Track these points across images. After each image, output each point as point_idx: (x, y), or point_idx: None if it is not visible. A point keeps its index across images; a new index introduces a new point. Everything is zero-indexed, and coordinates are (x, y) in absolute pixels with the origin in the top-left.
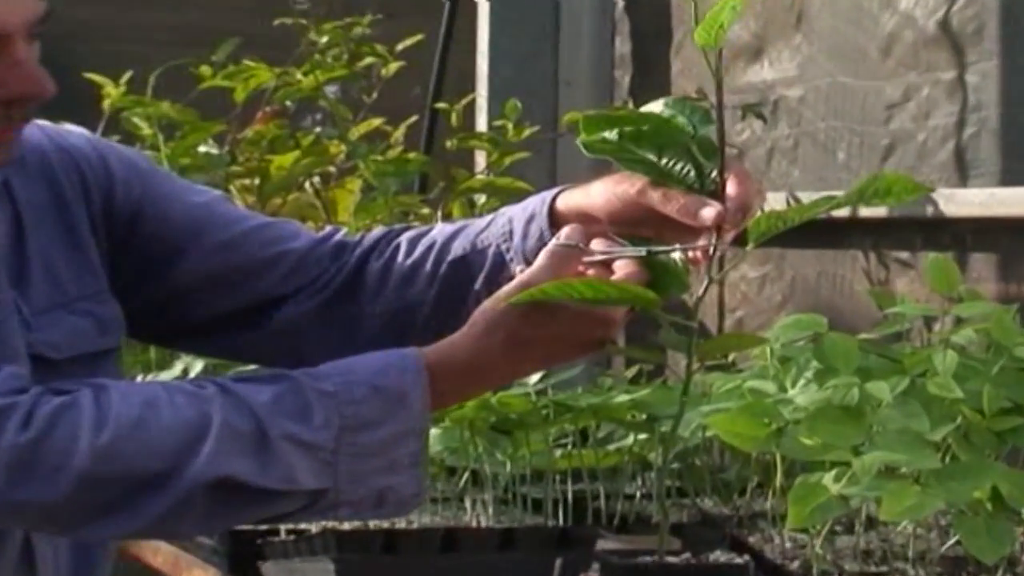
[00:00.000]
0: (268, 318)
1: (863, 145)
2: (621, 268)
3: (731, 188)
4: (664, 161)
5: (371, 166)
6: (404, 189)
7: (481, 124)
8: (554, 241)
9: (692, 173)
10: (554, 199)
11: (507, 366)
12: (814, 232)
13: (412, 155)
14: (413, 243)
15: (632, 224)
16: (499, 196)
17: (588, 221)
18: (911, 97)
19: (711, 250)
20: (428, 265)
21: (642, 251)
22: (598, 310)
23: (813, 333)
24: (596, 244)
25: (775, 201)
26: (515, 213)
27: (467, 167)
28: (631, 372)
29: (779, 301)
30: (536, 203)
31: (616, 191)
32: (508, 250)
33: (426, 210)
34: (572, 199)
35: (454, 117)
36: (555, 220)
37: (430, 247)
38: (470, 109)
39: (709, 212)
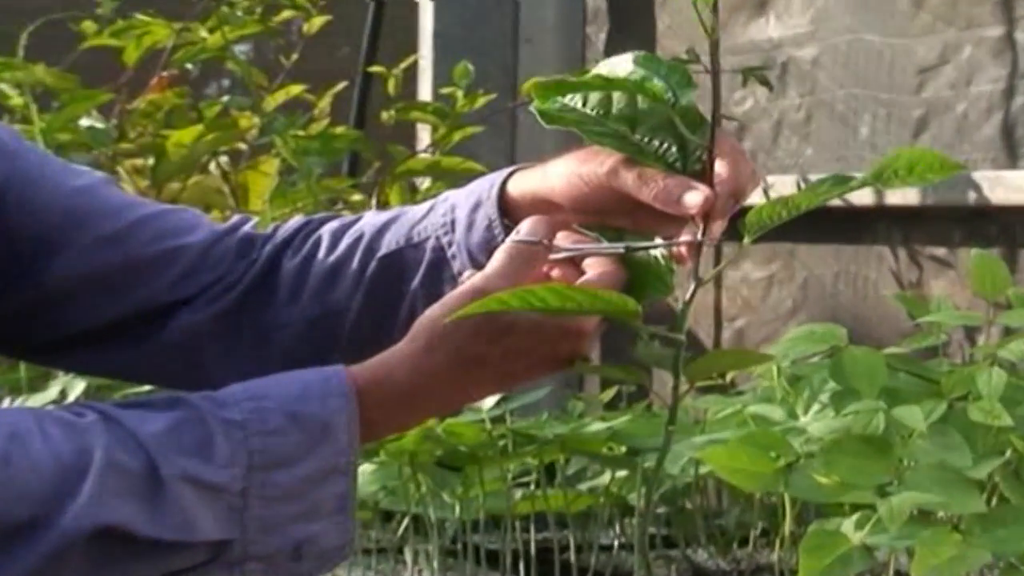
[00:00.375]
0: (161, 328)
1: (890, 118)
2: (593, 267)
3: (721, 168)
4: (638, 136)
5: (290, 143)
6: (330, 171)
7: (424, 92)
8: (513, 237)
9: (673, 149)
10: (504, 182)
11: (454, 389)
12: (831, 223)
13: (340, 129)
14: (337, 236)
15: (601, 212)
16: (446, 179)
17: (547, 209)
18: (949, 59)
19: (697, 244)
20: (354, 263)
21: (620, 247)
22: (565, 320)
23: (830, 347)
24: (561, 239)
25: (783, 186)
26: (458, 200)
27: (407, 144)
28: (608, 395)
29: (788, 308)
30: (483, 187)
31: (581, 172)
32: (450, 244)
33: (357, 196)
34: (527, 182)
35: (391, 83)
36: (506, 208)
37: (356, 241)
38: (411, 73)
39: (695, 197)
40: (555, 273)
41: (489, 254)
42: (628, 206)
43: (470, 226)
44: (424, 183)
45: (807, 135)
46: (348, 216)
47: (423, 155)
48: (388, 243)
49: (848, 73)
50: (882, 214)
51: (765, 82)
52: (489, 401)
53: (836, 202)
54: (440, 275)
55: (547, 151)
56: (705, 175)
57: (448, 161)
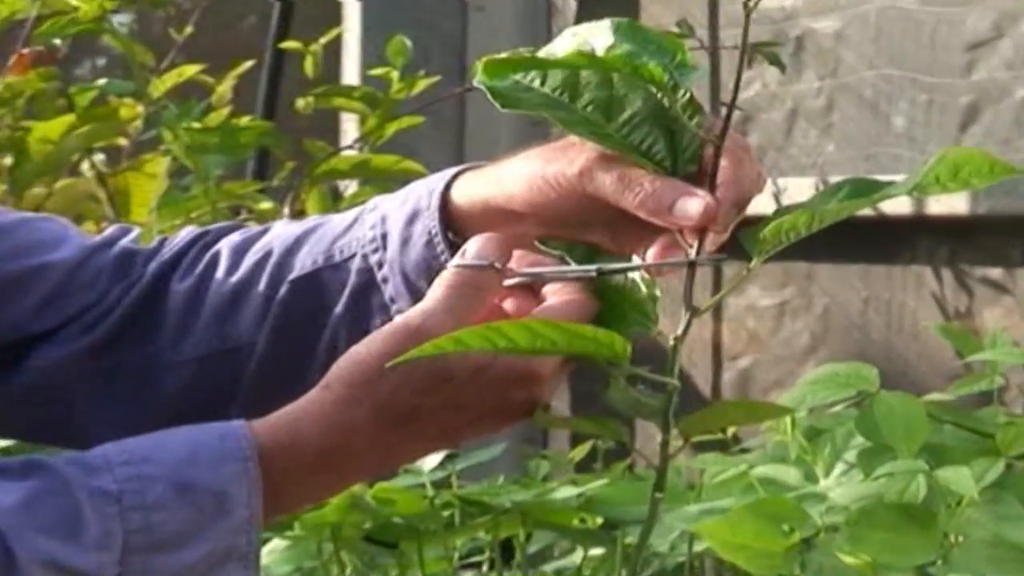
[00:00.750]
0: (16, 368)
1: (932, 105)
2: (556, 294)
3: (722, 170)
4: (617, 127)
5: (183, 137)
6: (233, 173)
7: (350, 74)
8: (457, 260)
9: (661, 145)
10: (448, 186)
11: (382, 449)
12: (857, 238)
13: (245, 121)
14: (239, 253)
15: (571, 224)
16: (378, 184)
17: (502, 220)
18: (1004, 32)
19: (690, 264)
20: (260, 286)
21: (591, 269)
22: (517, 362)
23: (857, 392)
24: (517, 259)
25: (799, 191)
26: (390, 208)
27: (329, 139)
28: (579, 453)
29: (805, 343)
30: (421, 193)
31: (546, 173)
32: (380, 264)
33: (266, 204)
34: (477, 187)
35: (309, 62)
36: (451, 218)
37: (264, 259)
38: (334, 50)
39: (692, 206)
40: (508, 305)
41: (429, 277)
42: (605, 216)
43: (405, 242)
44: (349, 188)
45: (828, 127)
46: (254, 228)
47: (348, 152)
48: (303, 262)
49: (879, 50)
50: (922, 226)
51: (776, 61)
52: (431, 461)
53: (864, 211)
54: (368, 303)
55: (502, 147)
56: (701, 177)
57: (380, 160)
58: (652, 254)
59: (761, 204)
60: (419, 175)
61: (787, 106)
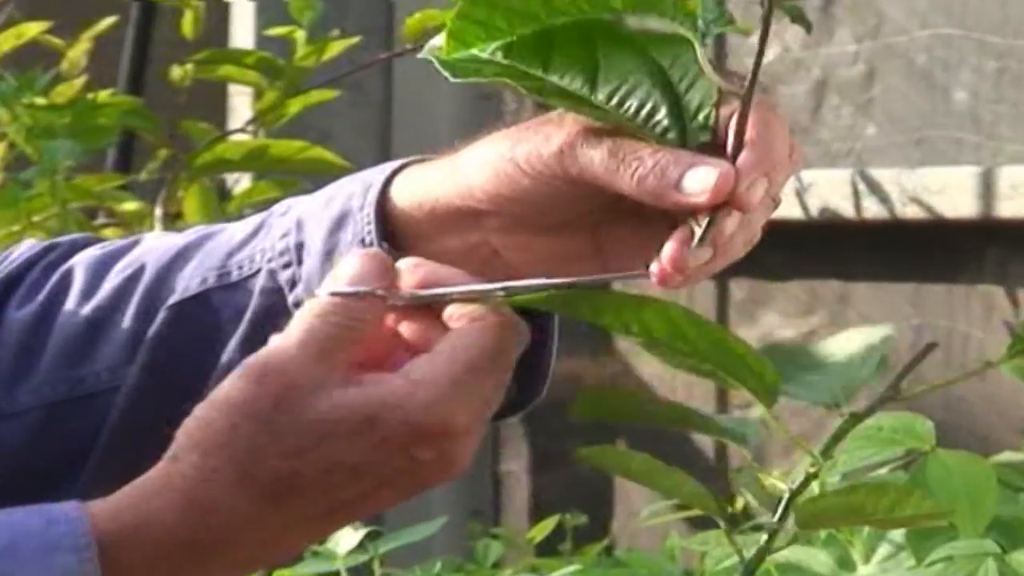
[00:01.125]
0: None
1: (1004, 75)
2: (460, 319)
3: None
4: (604, 96)
5: (23, 117)
6: (89, 164)
7: (242, 34)
8: (328, 284)
9: (663, 113)
10: (389, 181)
11: (261, 533)
12: (907, 249)
13: (104, 95)
14: (98, 272)
15: (545, 227)
16: (278, 179)
17: (456, 224)
18: None
19: (685, 260)
20: (127, 314)
21: (496, 287)
22: (415, 413)
23: (906, 451)
24: (409, 273)
25: (830, 185)
26: (307, 210)
27: (215, 120)
28: (541, 531)
29: None
30: (351, 192)
31: (517, 154)
32: (292, 283)
33: (131, 205)
34: (425, 181)
35: (188, 20)
36: (391, 225)
37: (132, 279)
38: (220, 3)
39: (703, 177)
40: (404, 329)
41: None
42: (590, 212)
43: (329, 254)
44: (241, 183)
45: (868, 104)
46: (118, 240)
47: (239, 137)
48: (186, 282)
49: (934, 2)
50: (991, 233)
51: (800, 18)
52: (347, 540)
53: (914, 212)
54: (274, 333)
55: (441, 129)
56: (717, 151)
57: (281, 147)
58: (667, 254)
59: (783, 204)
60: (333, 167)
61: (814, 76)
